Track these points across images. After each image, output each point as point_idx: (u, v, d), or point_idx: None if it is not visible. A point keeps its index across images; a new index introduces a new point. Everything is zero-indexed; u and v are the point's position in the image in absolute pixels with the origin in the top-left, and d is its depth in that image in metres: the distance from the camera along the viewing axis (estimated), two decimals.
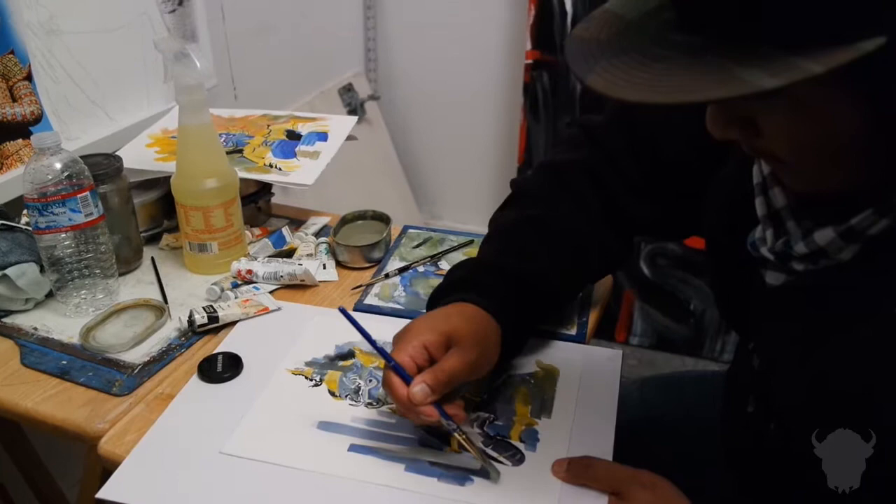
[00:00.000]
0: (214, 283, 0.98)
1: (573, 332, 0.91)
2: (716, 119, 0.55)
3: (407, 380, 0.69)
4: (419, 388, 0.68)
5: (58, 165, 0.89)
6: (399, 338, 0.73)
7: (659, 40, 0.49)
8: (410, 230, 1.15)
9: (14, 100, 1.11)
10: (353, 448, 0.74)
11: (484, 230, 0.89)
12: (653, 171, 0.84)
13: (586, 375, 0.84)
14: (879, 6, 0.42)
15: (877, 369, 0.54)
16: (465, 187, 2.44)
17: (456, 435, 0.71)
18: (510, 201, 0.90)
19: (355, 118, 1.26)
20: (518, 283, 0.80)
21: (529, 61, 2.05)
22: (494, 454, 0.73)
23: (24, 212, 0.97)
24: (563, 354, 0.87)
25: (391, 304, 0.97)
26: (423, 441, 0.74)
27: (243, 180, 1.06)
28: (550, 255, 0.83)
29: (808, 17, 0.43)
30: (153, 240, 1.12)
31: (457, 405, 0.72)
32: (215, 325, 0.91)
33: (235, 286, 0.99)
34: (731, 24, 0.46)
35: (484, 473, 0.70)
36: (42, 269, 0.94)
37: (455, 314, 0.75)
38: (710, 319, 2.07)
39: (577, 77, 0.50)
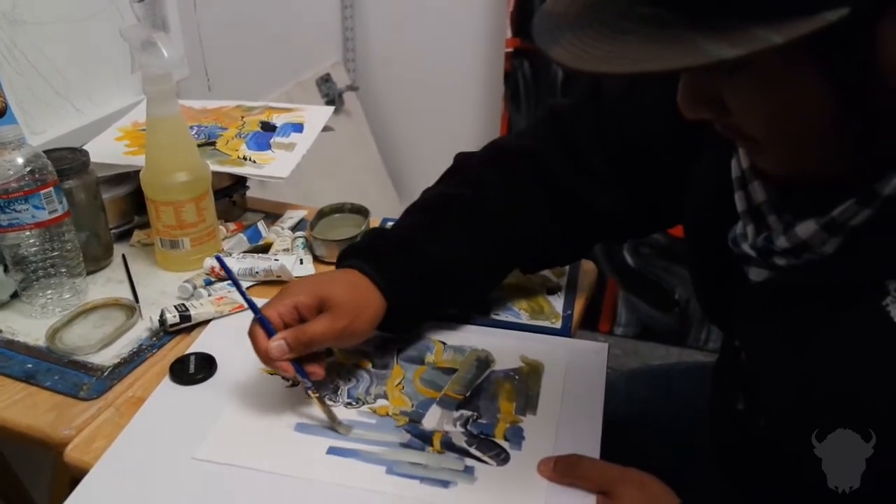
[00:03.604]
0: (187, 281, 0.95)
1: (558, 325, 0.89)
2: (686, 98, 0.54)
3: (271, 333, 0.72)
4: (277, 343, 0.71)
5: (20, 160, 0.85)
6: (277, 294, 0.76)
7: (626, 14, 0.48)
8: (390, 223, 1.12)
9: None
10: (332, 450, 0.71)
11: None
12: (620, 159, 0.81)
13: (572, 370, 0.81)
14: None
15: (865, 365, 0.53)
16: None
17: (309, 392, 0.74)
18: (447, 176, 0.89)
19: (331, 108, 1.22)
20: (420, 262, 0.80)
21: (510, 49, 2.02)
22: (478, 454, 0.70)
23: None
24: (547, 349, 0.85)
25: None
26: (405, 442, 0.72)
27: (216, 174, 1.02)
28: (468, 240, 0.82)
29: None
30: (124, 236, 1.08)
31: (318, 364, 0.74)
32: (188, 325, 0.88)
33: (209, 283, 0.96)
34: None
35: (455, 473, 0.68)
36: (6, 269, 0.91)
37: (339, 280, 0.77)
38: (695, 308, 2.06)
39: (541, 49, 0.49)
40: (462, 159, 0.89)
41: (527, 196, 0.84)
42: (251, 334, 0.74)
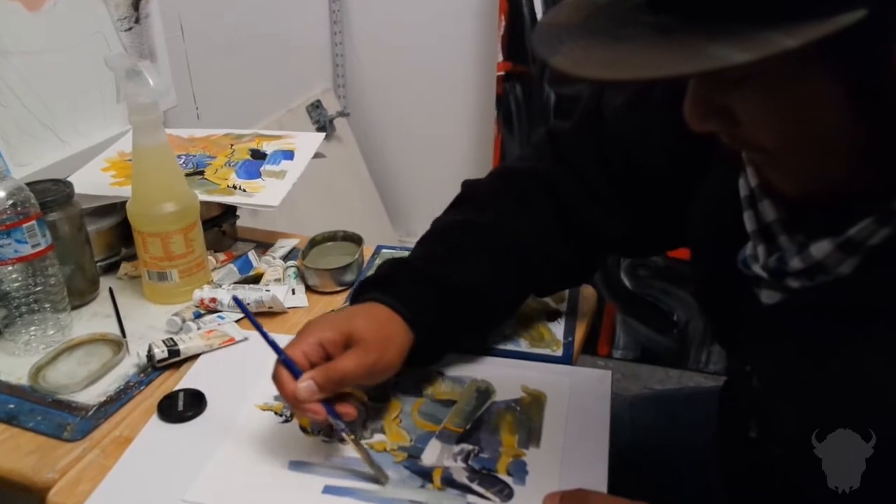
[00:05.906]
0: (175, 314, 0.92)
1: (559, 353, 0.86)
2: (693, 110, 0.52)
3: (297, 374, 0.67)
4: (305, 384, 0.66)
5: (1, 194, 0.83)
6: (299, 333, 0.71)
7: (629, 22, 0.46)
8: (384, 250, 1.10)
9: None
10: (328, 490, 0.68)
11: None
12: (622, 182, 0.79)
13: (575, 399, 0.79)
14: None
15: (889, 388, 0.50)
16: (441, 202, 2.38)
17: (344, 435, 0.69)
18: (457, 203, 0.86)
19: (322, 135, 1.21)
20: (444, 290, 0.76)
21: (501, 73, 2.01)
22: (481, 490, 0.67)
23: None
24: (549, 378, 0.82)
25: None
26: (404, 479, 0.69)
27: (205, 203, 1.00)
28: (487, 264, 0.79)
29: None
30: (111, 269, 1.05)
31: (349, 404, 0.70)
32: (176, 360, 0.85)
33: (198, 316, 0.93)
34: (702, 1, 0.43)
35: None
36: None
37: (363, 314, 0.73)
38: (694, 330, 2.04)
39: (541, 59, 0.48)
40: (470, 186, 0.87)
41: (539, 217, 0.82)
42: (276, 377, 0.68)
